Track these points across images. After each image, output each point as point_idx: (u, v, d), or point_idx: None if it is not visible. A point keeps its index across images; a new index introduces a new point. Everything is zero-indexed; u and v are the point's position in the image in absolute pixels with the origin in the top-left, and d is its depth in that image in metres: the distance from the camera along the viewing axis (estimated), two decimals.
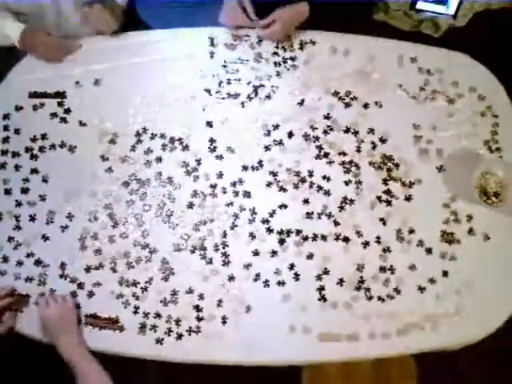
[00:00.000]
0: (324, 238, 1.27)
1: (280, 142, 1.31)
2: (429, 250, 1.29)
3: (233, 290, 1.24)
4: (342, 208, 1.29)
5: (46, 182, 1.28)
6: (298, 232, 1.27)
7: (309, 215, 1.28)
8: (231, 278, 1.25)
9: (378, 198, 1.30)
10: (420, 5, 1.60)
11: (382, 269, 1.27)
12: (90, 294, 1.24)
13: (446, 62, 1.38)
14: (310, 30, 1.38)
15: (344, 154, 1.32)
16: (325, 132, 1.32)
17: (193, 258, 1.25)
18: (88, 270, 1.25)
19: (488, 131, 1.36)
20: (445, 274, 1.28)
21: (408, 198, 1.31)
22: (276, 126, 1.32)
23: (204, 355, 1.22)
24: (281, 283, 1.25)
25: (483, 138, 1.35)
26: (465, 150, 1.33)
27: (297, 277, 1.25)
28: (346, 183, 1.30)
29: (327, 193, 1.29)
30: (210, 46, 1.36)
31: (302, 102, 1.34)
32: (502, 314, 1.28)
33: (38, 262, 1.24)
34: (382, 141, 1.33)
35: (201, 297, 1.24)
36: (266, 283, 1.25)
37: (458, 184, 1.31)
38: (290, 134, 1.32)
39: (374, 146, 1.32)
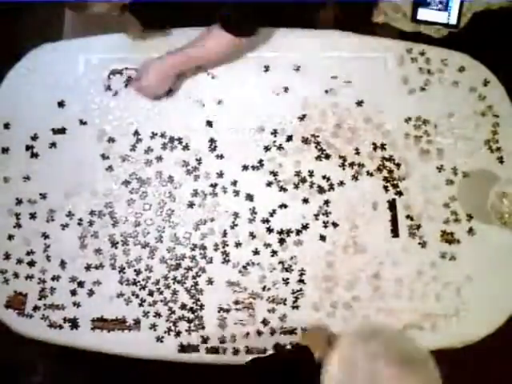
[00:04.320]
0: (324, 238, 1.27)
1: (280, 143, 1.31)
2: (429, 250, 1.29)
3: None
4: (342, 208, 1.29)
5: (46, 180, 1.28)
6: (298, 232, 1.27)
7: (309, 215, 1.28)
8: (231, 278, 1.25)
9: (379, 198, 1.30)
10: (421, 14, 1.56)
11: (382, 269, 1.27)
12: (91, 293, 1.24)
13: (446, 62, 1.38)
14: (312, 30, 1.39)
15: (345, 154, 1.32)
16: (326, 133, 1.33)
17: (193, 257, 1.25)
18: (88, 268, 1.25)
19: (488, 131, 1.36)
20: (445, 273, 1.28)
21: (408, 199, 1.31)
22: (276, 129, 1.32)
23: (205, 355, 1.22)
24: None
25: (483, 138, 1.35)
26: (480, 170, 1.33)
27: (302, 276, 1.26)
28: (347, 183, 1.30)
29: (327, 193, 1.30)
30: None
31: (303, 98, 1.34)
32: (502, 313, 1.27)
33: (37, 261, 1.24)
34: (383, 141, 1.33)
35: (201, 295, 1.24)
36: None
37: (473, 204, 1.31)
38: (291, 135, 1.32)
39: (375, 147, 1.32)
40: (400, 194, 1.30)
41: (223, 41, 1.20)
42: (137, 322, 1.23)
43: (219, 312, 1.24)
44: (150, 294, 1.24)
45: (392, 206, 1.30)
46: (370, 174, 1.31)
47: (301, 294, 1.25)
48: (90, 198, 1.27)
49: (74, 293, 1.24)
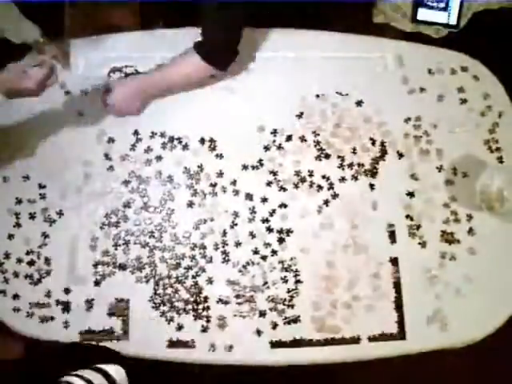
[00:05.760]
0: (323, 238, 1.27)
1: (280, 142, 1.31)
2: (428, 250, 1.28)
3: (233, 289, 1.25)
4: (342, 208, 1.29)
5: (46, 180, 1.28)
6: (298, 231, 1.27)
7: (308, 215, 1.28)
8: (231, 277, 1.25)
9: (379, 197, 1.30)
10: (421, 14, 1.56)
11: (382, 268, 1.27)
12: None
13: (446, 62, 1.38)
14: (312, 30, 1.39)
15: (344, 154, 1.32)
16: (325, 133, 1.33)
17: (193, 256, 1.25)
18: (88, 267, 1.24)
19: (488, 131, 1.36)
20: (444, 273, 1.27)
21: (408, 198, 1.31)
22: (276, 128, 1.32)
23: (204, 355, 1.22)
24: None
25: (483, 138, 1.35)
26: (468, 157, 1.33)
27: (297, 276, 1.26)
28: (346, 183, 1.30)
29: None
30: None
31: (303, 98, 1.34)
32: (502, 314, 1.28)
33: (37, 260, 1.24)
34: (382, 141, 1.33)
35: (200, 294, 1.24)
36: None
37: (461, 191, 1.32)
38: (291, 135, 1.32)
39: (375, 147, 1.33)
40: (399, 194, 1.31)
41: (195, 68, 1.20)
42: (125, 332, 1.22)
43: (218, 303, 1.23)
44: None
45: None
46: (369, 173, 1.31)
47: (301, 294, 1.25)
48: (89, 197, 1.27)
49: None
